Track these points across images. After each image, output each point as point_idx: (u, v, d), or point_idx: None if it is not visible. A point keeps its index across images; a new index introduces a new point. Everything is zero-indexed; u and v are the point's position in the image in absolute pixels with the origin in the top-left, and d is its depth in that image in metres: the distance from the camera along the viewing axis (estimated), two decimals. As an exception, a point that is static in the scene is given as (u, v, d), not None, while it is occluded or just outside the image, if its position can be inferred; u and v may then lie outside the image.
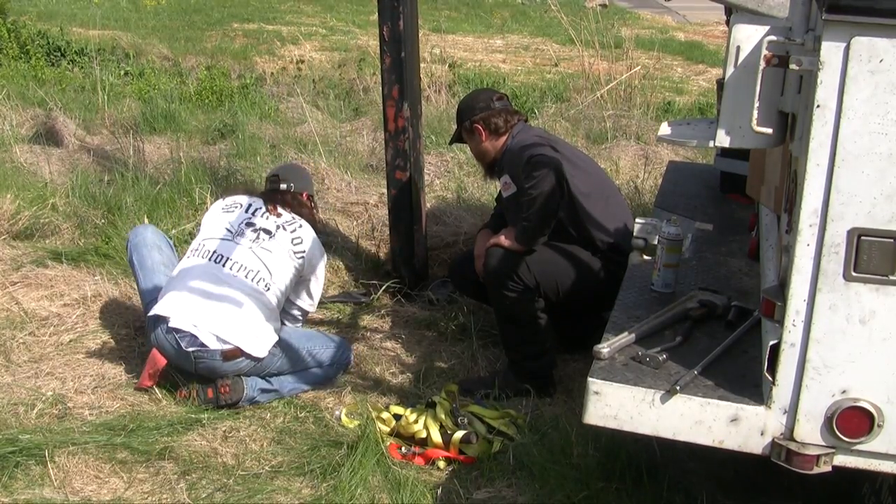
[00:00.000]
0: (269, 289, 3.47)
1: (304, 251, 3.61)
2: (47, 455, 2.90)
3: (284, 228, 3.62)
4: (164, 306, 3.38)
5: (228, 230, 3.58)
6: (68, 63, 9.24)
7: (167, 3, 14.59)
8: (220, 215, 3.67)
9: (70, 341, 3.75)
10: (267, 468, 3.00)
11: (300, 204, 3.77)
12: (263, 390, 3.42)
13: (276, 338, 3.44)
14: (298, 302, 3.75)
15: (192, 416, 3.25)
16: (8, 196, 4.81)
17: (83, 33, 11.15)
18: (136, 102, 7.41)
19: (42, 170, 5.54)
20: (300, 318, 3.82)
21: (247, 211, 3.66)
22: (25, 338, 3.73)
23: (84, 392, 3.39)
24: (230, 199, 3.76)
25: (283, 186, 3.75)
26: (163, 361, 3.36)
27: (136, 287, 3.86)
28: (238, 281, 3.43)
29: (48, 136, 6.33)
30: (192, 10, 14.39)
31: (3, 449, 2.90)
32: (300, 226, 3.66)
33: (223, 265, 3.46)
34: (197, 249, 3.56)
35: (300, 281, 3.68)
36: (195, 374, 3.38)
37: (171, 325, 3.32)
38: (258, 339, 3.37)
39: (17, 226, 4.72)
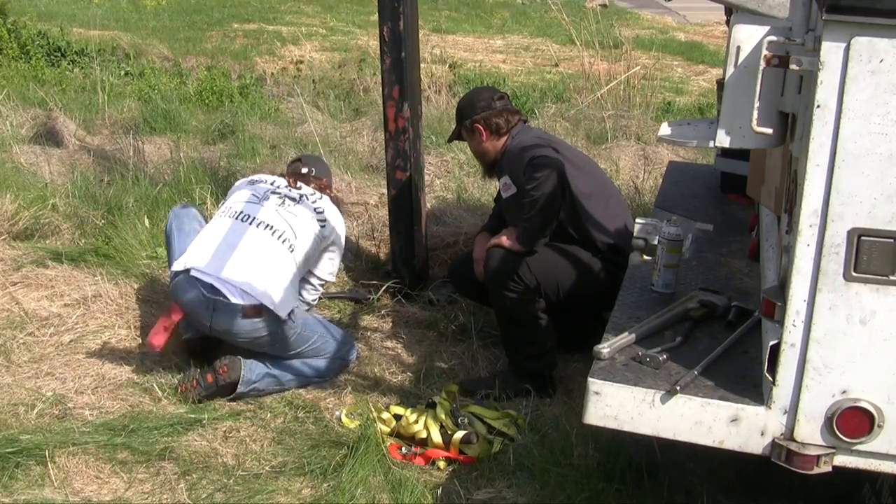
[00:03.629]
0: (293, 250, 3.53)
1: (325, 219, 3.70)
2: (47, 455, 2.90)
3: (307, 199, 3.72)
4: (189, 258, 3.43)
5: (255, 195, 3.67)
6: (68, 63, 9.23)
7: (167, 3, 14.59)
8: (245, 186, 3.77)
9: (70, 341, 3.75)
10: (267, 468, 3.00)
11: (321, 186, 3.86)
12: (263, 375, 3.42)
13: (297, 303, 3.50)
14: (317, 272, 3.80)
15: (193, 416, 3.25)
16: (8, 196, 4.81)
17: (83, 34, 11.15)
18: (137, 103, 7.41)
19: (42, 170, 5.54)
20: (319, 288, 3.87)
21: (271, 184, 3.76)
22: (25, 338, 3.73)
23: (84, 392, 3.39)
24: (254, 176, 3.88)
25: (304, 170, 3.87)
26: (179, 315, 3.38)
27: (137, 289, 3.87)
28: (264, 239, 3.49)
29: (48, 137, 6.33)
30: (193, 11, 14.40)
31: (3, 449, 2.90)
32: (320, 198, 3.77)
33: (249, 223, 3.52)
34: (223, 212, 3.64)
35: (322, 251, 3.74)
36: (209, 332, 3.42)
37: (194, 274, 3.36)
38: (281, 298, 3.40)
39: (17, 226, 4.72)
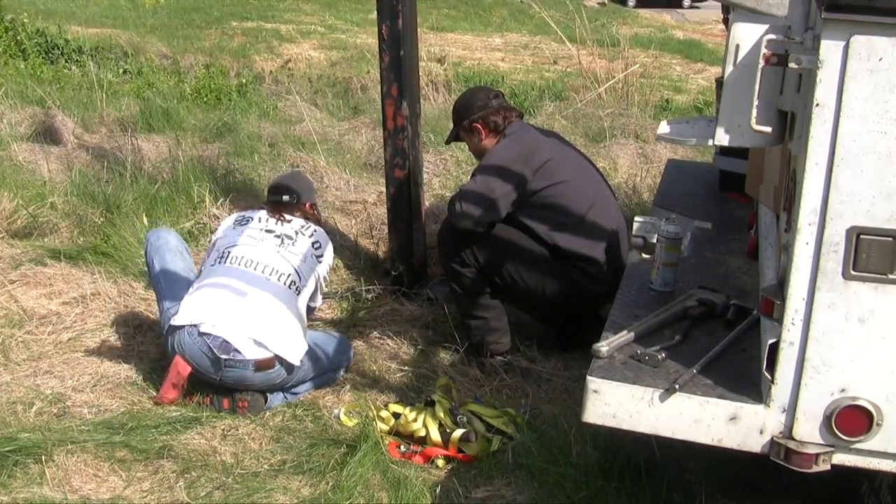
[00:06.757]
0: (299, 293, 3.45)
1: (322, 254, 3.64)
2: (46, 454, 2.89)
3: (303, 234, 3.61)
4: (195, 312, 3.27)
5: (251, 237, 3.52)
6: (66, 61, 9.23)
7: (166, 1, 14.59)
8: (235, 228, 3.60)
9: (69, 340, 3.74)
10: (266, 467, 3.00)
11: (305, 214, 3.76)
12: (279, 402, 3.37)
13: (307, 346, 3.36)
14: (312, 303, 3.69)
15: (191, 414, 3.24)
16: (6, 194, 4.81)
17: (81, 31, 11.13)
18: (135, 101, 7.40)
19: (41, 168, 5.54)
20: (313, 308, 3.78)
21: (260, 221, 3.61)
22: (24, 336, 3.73)
23: (83, 390, 3.39)
24: (239, 215, 3.72)
25: (286, 198, 3.72)
26: (187, 370, 3.25)
27: (135, 287, 3.86)
28: (272, 284, 3.38)
29: (47, 135, 6.33)
30: (191, 9, 14.40)
31: (1, 447, 2.89)
32: (315, 230, 3.67)
33: (255, 269, 3.40)
34: (223, 256, 3.46)
35: (316, 278, 3.64)
36: (217, 384, 3.29)
37: (202, 330, 3.21)
38: (294, 345, 3.30)
39: (15, 224, 4.72)
